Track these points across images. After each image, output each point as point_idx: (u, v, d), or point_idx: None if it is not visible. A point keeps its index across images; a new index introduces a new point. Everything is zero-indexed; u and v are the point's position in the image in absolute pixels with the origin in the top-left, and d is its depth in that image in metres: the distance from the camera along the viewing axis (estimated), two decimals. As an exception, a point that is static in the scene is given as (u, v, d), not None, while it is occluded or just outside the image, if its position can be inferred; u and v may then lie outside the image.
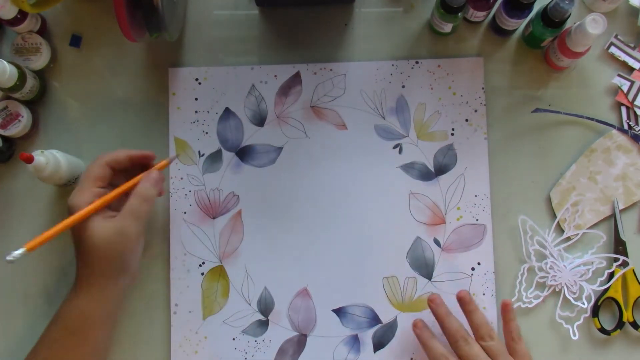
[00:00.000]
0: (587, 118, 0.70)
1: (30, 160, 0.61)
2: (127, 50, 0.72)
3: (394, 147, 0.70)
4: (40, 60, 0.70)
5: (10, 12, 0.67)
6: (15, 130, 0.68)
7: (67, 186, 0.69)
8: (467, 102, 0.70)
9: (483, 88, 0.71)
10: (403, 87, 0.71)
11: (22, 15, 0.69)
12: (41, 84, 0.70)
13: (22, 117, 0.68)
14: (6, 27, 0.71)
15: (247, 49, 0.72)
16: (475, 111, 0.70)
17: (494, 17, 0.70)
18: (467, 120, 0.70)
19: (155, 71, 0.72)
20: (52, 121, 0.71)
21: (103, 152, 0.63)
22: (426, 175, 0.70)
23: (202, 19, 0.73)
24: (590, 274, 0.67)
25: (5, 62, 0.64)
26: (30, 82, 0.68)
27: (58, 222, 0.69)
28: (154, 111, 0.71)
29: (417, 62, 0.71)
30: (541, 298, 0.68)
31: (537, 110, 0.69)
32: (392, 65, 0.71)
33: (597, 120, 0.70)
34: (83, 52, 0.72)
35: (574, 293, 0.67)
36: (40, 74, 0.71)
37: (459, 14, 0.66)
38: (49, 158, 0.63)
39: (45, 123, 0.71)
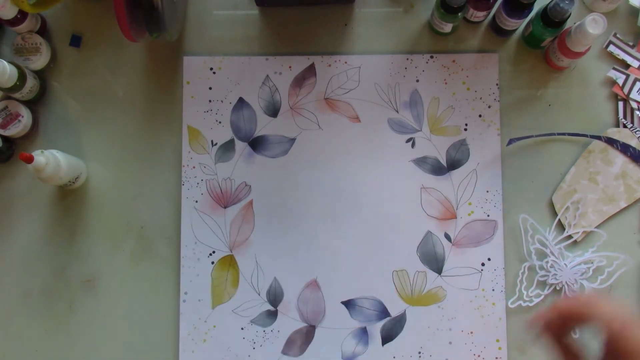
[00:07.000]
0: (559, 134, 0.69)
1: (30, 160, 0.61)
2: (127, 50, 0.72)
3: (407, 141, 0.70)
4: (40, 60, 0.70)
5: (10, 12, 0.67)
6: (15, 130, 0.68)
7: (67, 186, 0.69)
8: (480, 98, 0.70)
9: (497, 84, 0.71)
10: (417, 81, 0.71)
11: (22, 15, 0.69)
12: (41, 84, 0.70)
13: (22, 117, 0.68)
14: (6, 27, 0.71)
15: (247, 49, 0.72)
16: (489, 107, 0.70)
17: (494, 17, 0.70)
18: (480, 115, 0.70)
19: (155, 70, 0.72)
20: (52, 121, 0.71)
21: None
22: (438, 169, 0.70)
23: (202, 19, 0.73)
24: (591, 272, 0.68)
25: (5, 62, 0.64)
26: (30, 82, 0.68)
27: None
28: (154, 109, 0.71)
29: (431, 57, 0.71)
30: (542, 296, 0.68)
31: (511, 141, 0.69)
32: (407, 59, 0.71)
33: (569, 134, 0.69)
34: (83, 52, 0.72)
35: (575, 291, 0.67)
36: (40, 74, 0.71)
37: (459, 14, 0.66)
38: (49, 158, 0.63)
39: (45, 123, 0.71)
